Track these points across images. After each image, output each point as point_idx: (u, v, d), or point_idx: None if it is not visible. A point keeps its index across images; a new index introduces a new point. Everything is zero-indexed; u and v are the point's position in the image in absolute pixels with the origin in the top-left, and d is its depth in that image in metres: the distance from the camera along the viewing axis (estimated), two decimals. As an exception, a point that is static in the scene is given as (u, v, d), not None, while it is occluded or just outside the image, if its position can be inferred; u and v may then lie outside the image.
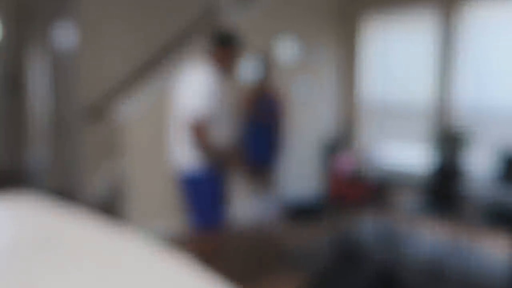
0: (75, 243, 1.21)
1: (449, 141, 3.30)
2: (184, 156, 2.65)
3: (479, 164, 3.99)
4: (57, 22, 5.05)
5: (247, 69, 4.31)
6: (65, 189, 5.19)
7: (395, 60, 4.85)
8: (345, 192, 3.63)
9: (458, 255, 3.49)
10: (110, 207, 4.32)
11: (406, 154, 4.64)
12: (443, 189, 2.89)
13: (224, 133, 2.67)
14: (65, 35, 4.82)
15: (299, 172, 4.87)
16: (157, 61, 4.91)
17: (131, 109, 3.66)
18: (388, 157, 3.94)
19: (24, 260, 1.07)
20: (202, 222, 2.68)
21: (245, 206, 4.45)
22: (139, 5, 4.78)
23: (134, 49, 4.78)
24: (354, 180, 3.60)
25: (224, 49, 2.67)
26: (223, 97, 2.65)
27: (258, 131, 3.81)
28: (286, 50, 4.67)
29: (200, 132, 2.51)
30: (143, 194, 3.76)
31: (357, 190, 3.65)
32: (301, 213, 4.58)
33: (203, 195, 2.66)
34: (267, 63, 4.04)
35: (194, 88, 2.56)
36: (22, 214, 1.49)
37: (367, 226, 4.17)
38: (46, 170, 5.55)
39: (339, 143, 4.25)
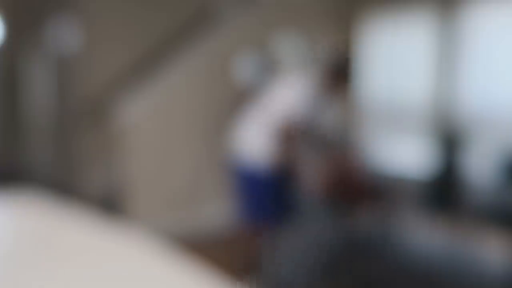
0: (75, 243, 1.21)
1: (449, 142, 3.30)
2: (260, 152, 2.69)
3: (479, 164, 4.00)
4: (57, 21, 5.04)
5: (247, 69, 4.31)
6: (65, 189, 5.19)
7: (396, 60, 4.85)
8: (344, 192, 3.63)
9: (458, 255, 3.49)
10: (111, 206, 4.32)
11: (406, 154, 4.65)
12: (443, 190, 2.89)
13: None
14: (65, 34, 4.81)
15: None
16: (159, 59, 4.91)
17: (131, 108, 3.66)
18: (388, 157, 3.94)
19: (24, 260, 1.07)
20: (250, 220, 2.77)
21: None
22: (140, 3, 4.78)
23: (135, 48, 4.77)
24: (354, 180, 3.60)
25: (337, 76, 2.70)
26: (316, 118, 2.76)
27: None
28: (286, 50, 4.66)
29: (291, 136, 2.61)
30: (144, 193, 3.76)
31: (356, 189, 3.65)
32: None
33: (262, 194, 2.72)
34: (268, 63, 4.05)
35: (301, 97, 2.63)
36: (22, 213, 1.49)
37: (366, 225, 4.16)
38: (46, 170, 5.55)
39: (339, 142, 4.24)
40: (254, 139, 2.77)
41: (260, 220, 2.77)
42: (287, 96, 2.70)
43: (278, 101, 2.72)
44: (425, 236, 3.88)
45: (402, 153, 4.71)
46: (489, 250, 3.61)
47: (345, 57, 2.90)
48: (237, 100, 4.06)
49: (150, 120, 3.78)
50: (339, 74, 2.72)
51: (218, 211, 4.28)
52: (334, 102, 2.85)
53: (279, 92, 2.76)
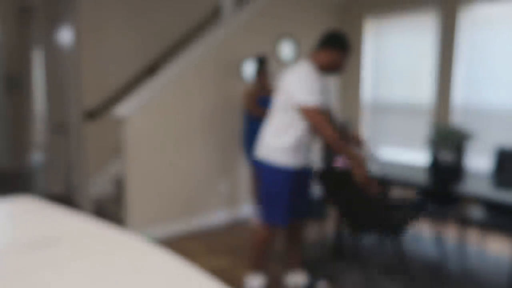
0: (75, 245, 1.22)
1: (448, 141, 3.30)
2: (286, 151, 2.64)
3: (478, 163, 4.00)
4: (58, 23, 5.06)
5: (248, 68, 4.32)
6: (65, 190, 5.20)
7: (396, 60, 4.86)
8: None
9: (458, 254, 3.49)
10: (110, 208, 4.33)
11: (406, 154, 4.65)
12: (443, 189, 2.89)
13: None
14: (66, 36, 4.83)
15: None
16: (157, 61, 4.92)
17: (131, 110, 3.67)
18: (388, 156, 3.95)
19: (24, 262, 1.08)
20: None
21: (248, 205, 4.46)
22: (139, 6, 4.79)
23: (134, 50, 4.79)
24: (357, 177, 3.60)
25: (333, 51, 2.64)
26: (324, 96, 2.68)
27: (259, 129, 3.81)
28: (287, 49, 4.67)
29: (324, 119, 2.51)
30: (143, 195, 3.77)
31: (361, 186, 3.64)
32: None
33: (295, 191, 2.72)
34: (267, 62, 4.05)
35: (310, 83, 2.56)
36: (22, 216, 1.50)
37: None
38: (46, 171, 5.56)
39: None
40: (282, 139, 2.67)
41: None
42: (293, 80, 2.59)
43: (286, 89, 2.62)
44: (424, 235, 3.88)
45: (402, 151, 4.71)
46: (489, 249, 3.61)
47: (337, 33, 2.70)
48: (244, 101, 4.07)
49: (149, 121, 3.78)
50: (332, 49, 2.63)
51: (217, 215, 4.29)
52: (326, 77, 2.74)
53: (286, 81, 2.65)
